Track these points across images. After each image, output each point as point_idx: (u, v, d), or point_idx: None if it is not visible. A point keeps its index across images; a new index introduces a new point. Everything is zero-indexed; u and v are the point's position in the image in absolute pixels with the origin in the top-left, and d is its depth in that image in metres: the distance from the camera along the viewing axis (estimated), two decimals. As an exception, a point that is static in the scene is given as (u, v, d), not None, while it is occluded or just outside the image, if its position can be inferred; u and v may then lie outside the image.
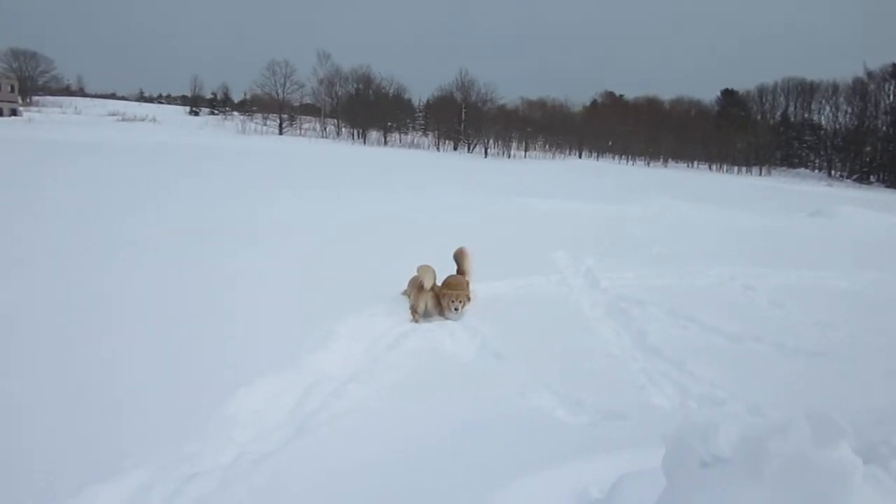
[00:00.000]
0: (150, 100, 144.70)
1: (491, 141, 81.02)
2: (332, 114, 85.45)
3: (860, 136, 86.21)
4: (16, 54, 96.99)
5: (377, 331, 6.80)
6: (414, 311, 7.40)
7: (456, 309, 7.35)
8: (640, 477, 2.80)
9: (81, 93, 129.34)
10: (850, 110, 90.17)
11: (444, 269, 7.92)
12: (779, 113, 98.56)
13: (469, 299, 7.61)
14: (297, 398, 4.95)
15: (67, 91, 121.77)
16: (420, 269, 7.65)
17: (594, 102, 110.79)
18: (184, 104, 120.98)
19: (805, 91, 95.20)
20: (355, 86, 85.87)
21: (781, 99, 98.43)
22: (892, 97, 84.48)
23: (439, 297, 7.52)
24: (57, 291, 7.32)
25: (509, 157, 76.96)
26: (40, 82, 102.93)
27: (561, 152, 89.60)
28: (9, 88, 79.41)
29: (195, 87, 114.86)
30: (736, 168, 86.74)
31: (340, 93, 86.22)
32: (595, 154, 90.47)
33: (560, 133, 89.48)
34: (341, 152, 48.98)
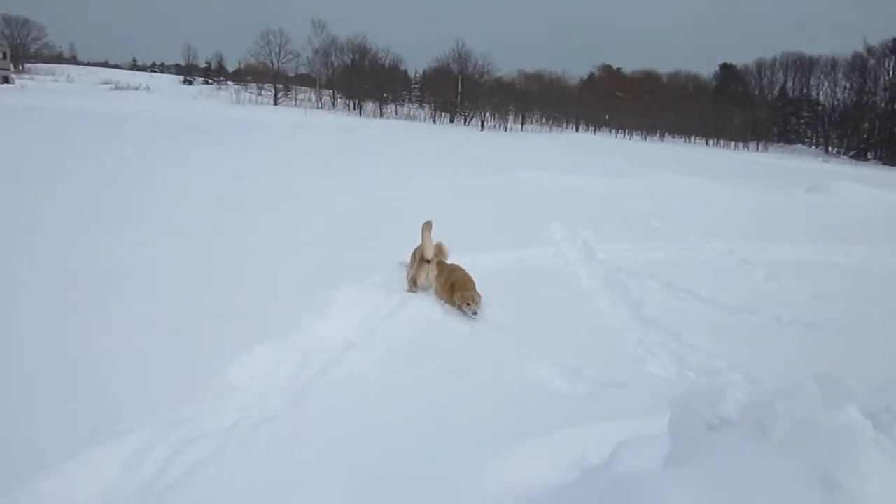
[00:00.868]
0: (143, 68, 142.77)
1: (487, 114, 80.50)
2: (328, 85, 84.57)
3: (858, 113, 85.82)
4: (7, 21, 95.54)
5: (374, 301, 6.78)
6: (413, 281, 7.37)
7: (475, 313, 6.50)
8: (640, 443, 2.80)
9: (74, 60, 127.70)
10: (848, 86, 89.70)
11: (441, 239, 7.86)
12: (777, 88, 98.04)
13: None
14: (296, 365, 4.94)
15: (59, 59, 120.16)
16: (425, 225, 7.48)
17: (591, 76, 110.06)
18: (178, 73, 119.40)
19: (804, 66, 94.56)
20: (351, 56, 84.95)
21: (780, 74, 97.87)
22: (891, 73, 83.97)
23: (449, 288, 6.89)
24: (67, 260, 7.28)
25: (506, 130, 76.48)
26: (32, 49, 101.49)
27: (557, 126, 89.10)
28: (0, 55, 78.34)
29: (189, 56, 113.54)
30: (733, 143, 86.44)
31: (336, 63, 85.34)
32: (592, 128, 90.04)
33: (557, 106, 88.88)
34: (336, 123, 48.60)
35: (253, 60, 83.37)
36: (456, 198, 14.41)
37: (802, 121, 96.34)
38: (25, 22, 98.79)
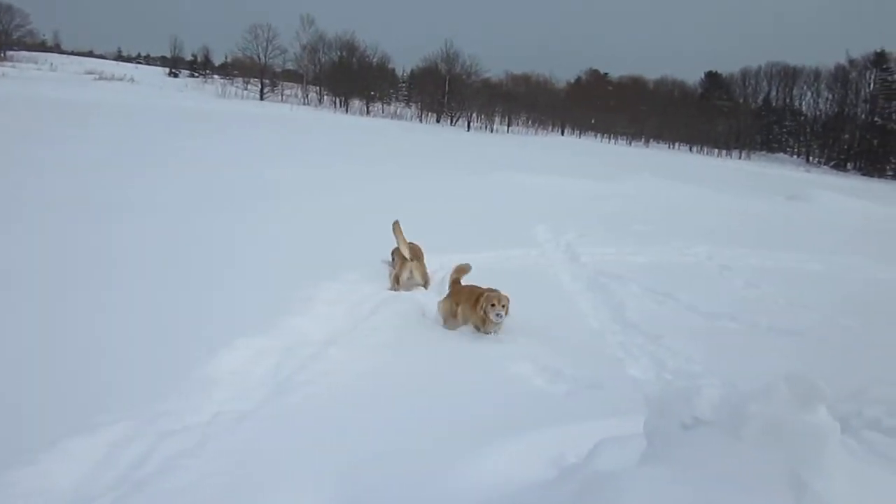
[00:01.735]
0: (128, 59, 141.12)
1: (474, 114, 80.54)
2: (315, 81, 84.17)
3: (839, 123, 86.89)
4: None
5: (357, 296, 6.80)
6: (396, 280, 7.40)
7: (498, 315, 5.88)
8: (618, 443, 2.84)
9: (58, 49, 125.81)
10: (830, 97, 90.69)
11: (421, 241, 7.87)
12: (761, 97, 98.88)
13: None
14: (277, 359, 4.94)
15: (43, 47, 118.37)
16: (395, 225, 7.57)
17: (578, 79, 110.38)
18: (163, 65, 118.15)
19: (788, 76, 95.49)
20: (339, 53, 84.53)
21: (764, 83, 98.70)
22: (872, 85, 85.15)
23: (475, 302, 6.09)
24: (52, 248, 7.23)
25: (492, 131, 76.64)
26: (15, 36, 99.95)
27: (543, 129, 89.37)
28: (-18, 42, 77.19)
29: (175, 48, 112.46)
30: (717, 151, 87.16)
31: (324, 60, 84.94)
32: (578, 132, 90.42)
33: (543, 109, 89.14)
34: (325, 120, 48.43)
35: (240, 54, 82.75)
36: (440, 198, 14.44)
37: (785, 130, 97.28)
38: (9, 8, 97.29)
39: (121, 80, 77.25)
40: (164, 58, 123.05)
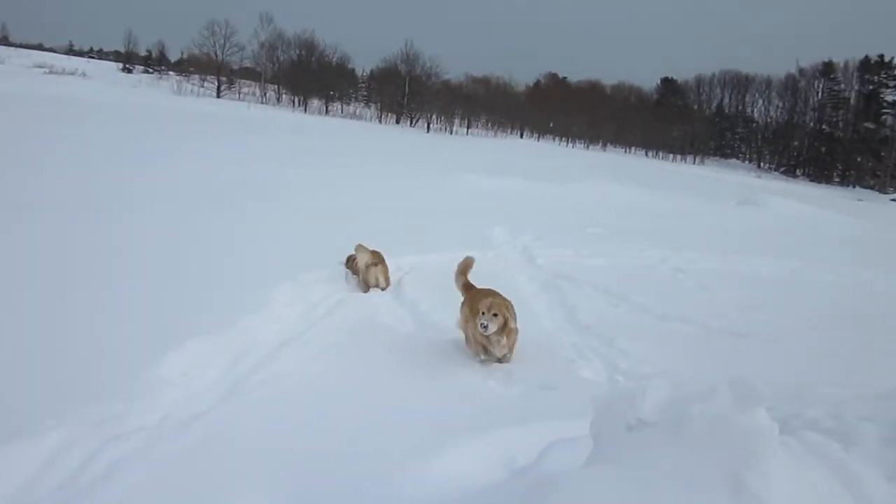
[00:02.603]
0: (80, 53, 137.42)
1: (434, 116, 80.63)
2: (273, 79, 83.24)
3: (789, 131, 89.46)
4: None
5: (313, 298, 6.74)
6: (366, 284, 7.41)
7: (484, 327, 5.03)
8: (568, 444, 2.87)
9: (5, 41, 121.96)
10: (781, 105, 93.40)
11: (378, 243, 7.84)
12: (714, 104, 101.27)
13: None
14: (229, 361, 4.87)
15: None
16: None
17: (537, 83, 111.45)
18: (116, 60, 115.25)
19: (740, 84, 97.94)
20: (298, 52, 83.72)
21: (718, 90, 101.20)
22: (820, 94, 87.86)
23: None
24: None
25: (451, 133, 76.82)
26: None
27: (503, 131, 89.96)
28: (-78, 32, 74.37)
29: (129, 43, 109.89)
30: (672, 155, 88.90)
31: (282, 58, 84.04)
32: (536, 135, 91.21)
33: (503, 111, 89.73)
34: (283, 119, 47.85)
35: (196, 51, 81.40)
36: (398, 199, 14.40)
37: (738, 136, 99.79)
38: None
39: (72, 74, 75.11)
40: (117, 52, 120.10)
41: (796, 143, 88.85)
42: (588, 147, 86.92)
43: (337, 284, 7.41)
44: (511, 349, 5.40)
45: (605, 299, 7.89)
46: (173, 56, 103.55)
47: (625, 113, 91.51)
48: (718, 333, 6.99)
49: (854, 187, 74.04)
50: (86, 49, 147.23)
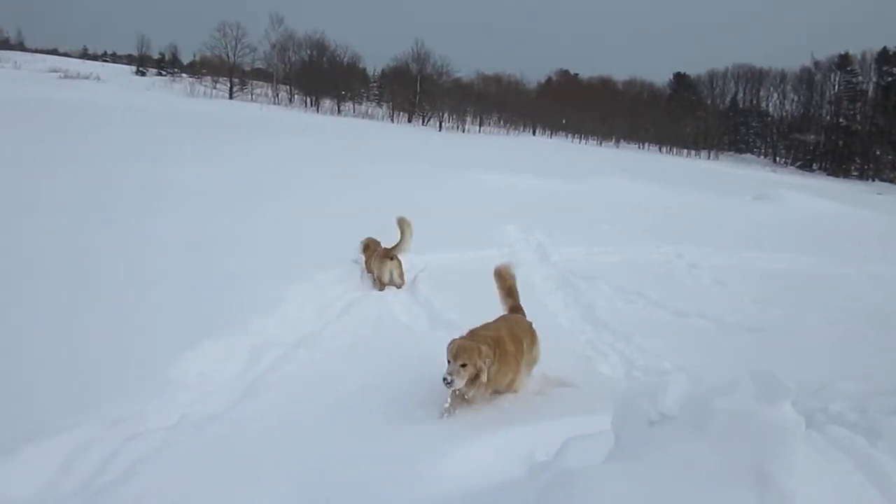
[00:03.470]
0: (94, 57, 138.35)
1: (446, 115, 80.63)
2: (285, 80, 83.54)
3: (805, 125, 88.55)
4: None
5: (327, 297, 6.75)
6: (380, 281, 7.41)
7: (445, 381, 4.06)
8: (587, 440, 2.84)
9: (21, 47, 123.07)
10: (796, 98, 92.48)
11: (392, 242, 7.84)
12: (728, 98, 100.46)
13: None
14: (245, 361, 4.88)
15: (6, 45, 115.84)
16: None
17: (549, 80, 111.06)
18: (130, 63, 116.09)
19: (754, 78, 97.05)
20: (309, 52, 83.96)
21: (731, 84, 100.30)
22: (836, 87, 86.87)
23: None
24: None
25: (463, 131, 76.75)
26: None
27: (515, 129, 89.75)
28: (-60, 39, 75.38)
29: (142, 46, 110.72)
30: (685, 151, 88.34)
31: (293, 59, 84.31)
32: (548, 132, 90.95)
33: (514, 109, 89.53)
34: (294, 120, 48.00)
35: (208, 53, 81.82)
36: (412, 198, 14.37)
37: (752, 131, 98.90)
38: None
39: (86, 78, 75.80)
40: (130, 56, 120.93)
41: (812, 136, 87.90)
42: (601, 144, 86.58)
43: (351, 283, 7.41)
44: (514, 383, 4.51)
45: (620, 296, 7.84)
46: (186, 58, 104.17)
47: (637, 109, 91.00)
48: (735, 329, 6.92)
49: (873, 181, 73.14)
50: (100, 53, 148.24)
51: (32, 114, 23.21)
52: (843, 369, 5.75)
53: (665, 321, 7.04)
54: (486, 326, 4.66)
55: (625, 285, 8.23)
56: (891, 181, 72.65)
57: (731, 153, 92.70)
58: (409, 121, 79.45)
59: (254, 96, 79.56)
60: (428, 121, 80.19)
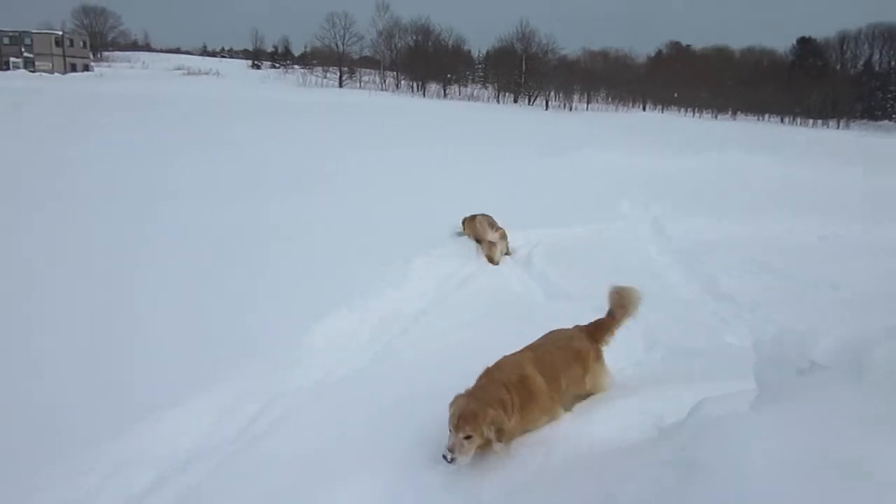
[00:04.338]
0: (212, 54, 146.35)
1: (552, 93, 79.45)
2: (392, 66, 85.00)
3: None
4: (86, 11, 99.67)
5: (446, 271, 6.90)
6: (490, 259, 7.58)
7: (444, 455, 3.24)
8: (721, 400, 2.79)
9: (148, 48, 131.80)
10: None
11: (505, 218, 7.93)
12: (861, 62, 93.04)
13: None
14: (375, 328, 5.14)
15: (134, 46, 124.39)
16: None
17: (659, 53, 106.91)
18: (245, 58, 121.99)
19: (893, 38, 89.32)
20: (414, 37, 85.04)
21: (865, 47, 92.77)
22: None
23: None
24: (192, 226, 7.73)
25: (570, 109, 75.37)
26: (109, 38, 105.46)
27: (624, 105, 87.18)
28: (81, 44, 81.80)
29: (256, 41, 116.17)
30: (811, 121, 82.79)
31: (399, 45, 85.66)
32: (659, 107, 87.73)
33: (623, 85, 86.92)
34: (402, 105, 48.81)
35: (318, 44, 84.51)
36: (523, 175, 14.36)
37: (890, 95, 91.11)
38: (102, 11, 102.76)
39: (207, 73, 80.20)
40: (246, 50, 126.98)
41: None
42: (715, 117, 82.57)
43: (467, 258, 7.52)
44: (553, 418, 3.67)
45: (746, 268, 7.52)
46: (297, 50, 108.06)
47: (756, 79, 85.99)
48: (874, 297, 6.49)
49: None
50: (218, 49, 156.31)
51: (161, 108, 24.84)
52: None
53: (796, 292, 6.69)
54: (513, 360, 3.74)
55: (749, 258, 7.89)
56: None
57: (865, 121, 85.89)
58: (515, 101, 78.86)
59: (362, 84, 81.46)
60: (534, 100, 79.31)
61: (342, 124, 25.25)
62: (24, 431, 3.42)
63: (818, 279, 7.04)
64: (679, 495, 1.80)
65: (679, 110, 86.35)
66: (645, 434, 3.12)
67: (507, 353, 3.84)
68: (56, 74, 62.89)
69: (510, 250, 7.93)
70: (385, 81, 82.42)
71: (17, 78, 49.58)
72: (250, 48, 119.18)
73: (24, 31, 75.32)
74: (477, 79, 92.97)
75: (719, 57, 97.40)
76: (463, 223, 8.32)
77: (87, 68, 77.85)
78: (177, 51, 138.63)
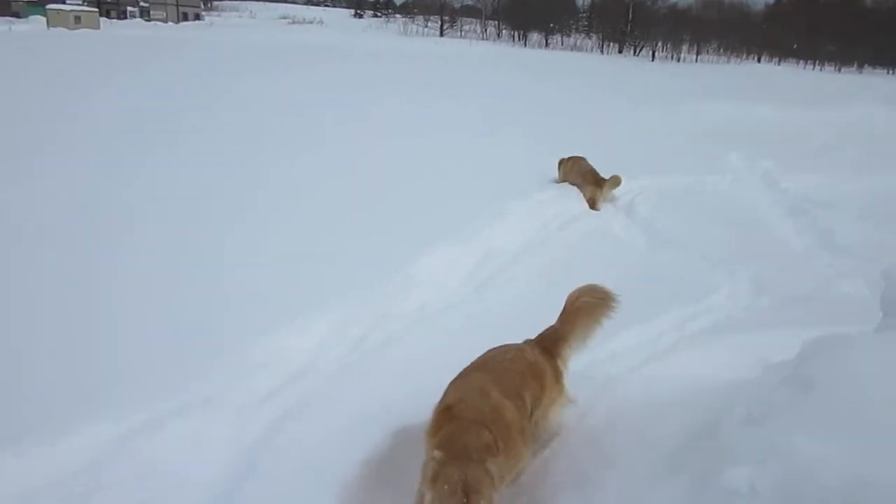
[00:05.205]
0: (316, 3, 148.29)
1: (659, 43, 76.00)
2: (493, 15, 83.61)
3: None
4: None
5: (547, 214, 6.89)
6: (592, 202, 7.56)
7: None
8: (832, 340, 2.71)
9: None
10: None
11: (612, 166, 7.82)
12: None
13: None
14: (474, 264, 5.26)
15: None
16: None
17: (778, 1, 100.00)
18: (348, 7, 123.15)
19: None
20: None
21: None
22: None
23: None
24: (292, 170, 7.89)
25: (679, 61, 71.98)
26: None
27: (737, 57, 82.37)
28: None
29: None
30: (950, 75, 75.59)
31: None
32: (776, 59, 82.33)
33: (737, 35, 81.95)
34: (504, 55, 48.07)
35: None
36: (627, 124, 13.99)
37: None
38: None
39: (311, 23, 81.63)
40: (349, 0, 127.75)
41: None
42: (839, 70, 76.81)
43: (570, 203, 7.45)
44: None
45: (865, 222, 7.12)
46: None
47: (888, 27, 78.98)
48: None
49: None
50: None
51: (268, 56, 25.51)
52: None
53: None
54: (472, 388, 2.86)
55: (869, 212, 7.48)
56: None
57: None
58: (620, 51, 76.09)
59: (462, 33, 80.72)
60: (640, 51, 76.25)
61: (442, 71, 25.18)
62: (188, 330, 3.76)
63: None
64: (791, 412, 1.80)
65: (798, 62, 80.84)
66: (751, 372, 3.08)
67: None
68: (170, 23, 65.41)
69: (612, 197, 7.82)
70: (486, 31, 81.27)
71: (136, 27, 52.01)
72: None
73: (140, -20, 78.52)
74: (581, 28, 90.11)
75: (846, 5, 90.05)
76: (559, 165, 8.23)
77: (198, 17, 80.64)
78: (283, 0, 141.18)
